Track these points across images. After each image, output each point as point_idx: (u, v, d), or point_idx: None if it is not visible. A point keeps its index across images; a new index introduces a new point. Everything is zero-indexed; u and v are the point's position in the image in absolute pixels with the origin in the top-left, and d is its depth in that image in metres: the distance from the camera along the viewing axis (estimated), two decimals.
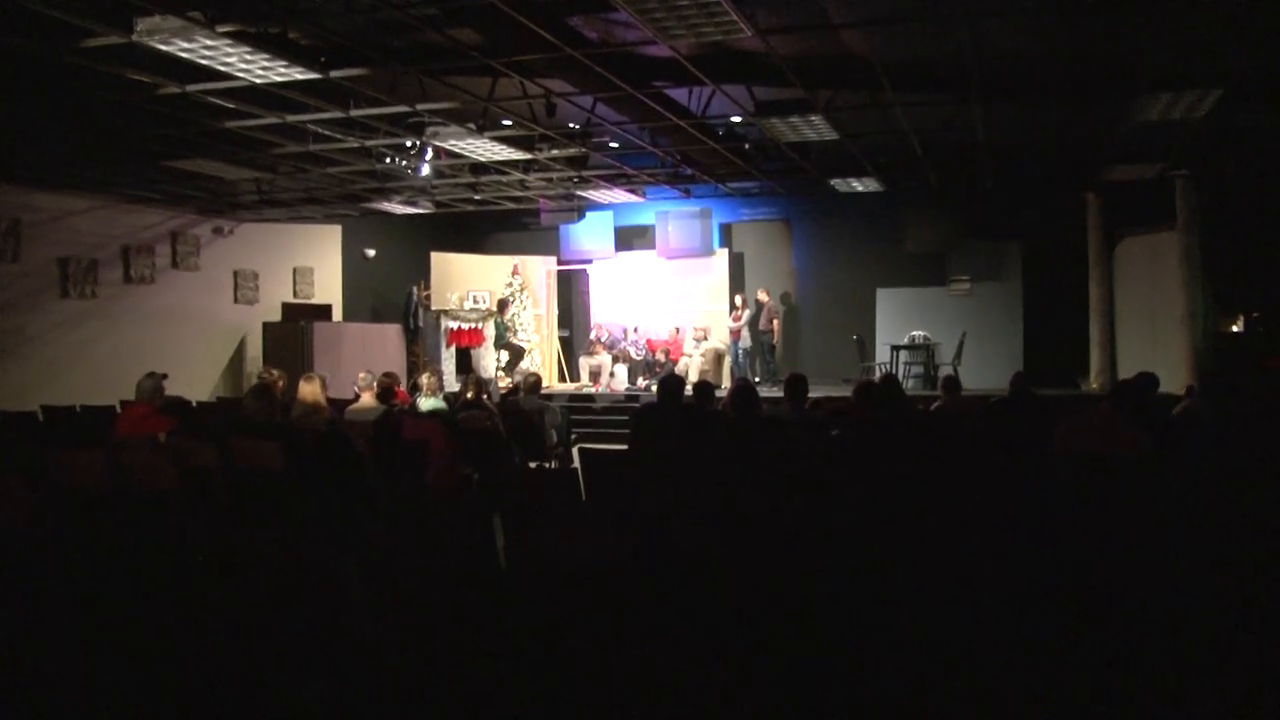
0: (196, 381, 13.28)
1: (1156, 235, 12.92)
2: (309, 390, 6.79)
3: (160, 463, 5.38)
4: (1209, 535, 3.52)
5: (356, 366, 9.05)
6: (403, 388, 9.77)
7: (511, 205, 14.78)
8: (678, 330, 15.42)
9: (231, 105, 8.59)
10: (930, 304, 14.97)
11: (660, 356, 14.86)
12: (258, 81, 7.57)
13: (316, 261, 16.01)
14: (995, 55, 7.83)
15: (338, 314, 15.57)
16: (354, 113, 8.97)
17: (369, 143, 10.30)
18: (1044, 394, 10.83)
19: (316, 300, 15.59)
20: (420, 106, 8.77)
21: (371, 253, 16.60)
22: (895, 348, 14.40)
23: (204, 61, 7.01)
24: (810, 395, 7.21)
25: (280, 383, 7.64)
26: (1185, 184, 12.03)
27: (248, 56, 6.94)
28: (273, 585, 2.99)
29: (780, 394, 8.04)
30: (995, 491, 4.48)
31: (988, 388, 12.29)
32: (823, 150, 10.87)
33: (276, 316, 14.48)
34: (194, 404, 10.10)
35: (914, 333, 14.75)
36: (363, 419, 7.03)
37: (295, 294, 15.65)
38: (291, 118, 9.10)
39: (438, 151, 10.88)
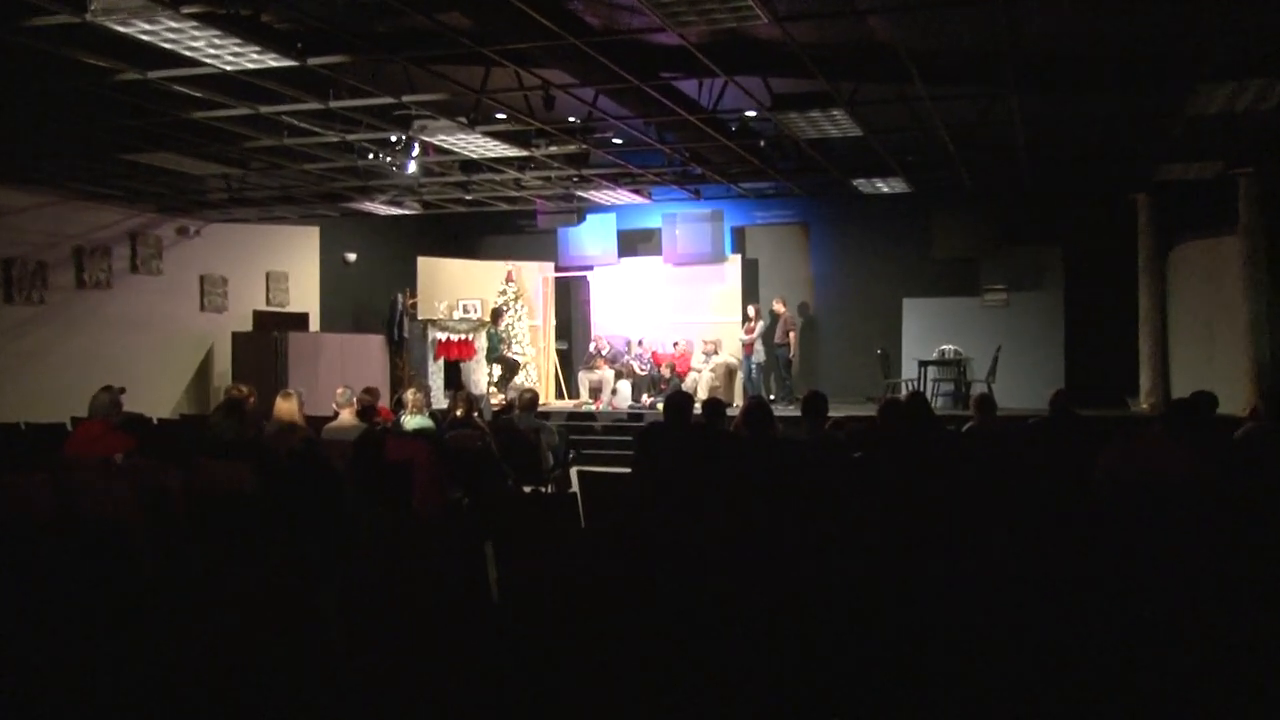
0: (158, 396, 13.28)
1: (1216, 240, 12.92)
2: (286, 408, 6.84)
3: (116, 486, 5.38)
4: (1274, 573, 3.51)
5: (335, 381, 9.11)
6: (386, 404, 9.83)
7: (505, 206, 14.83)
8: (686, 343, 15.44)
9: (199, 94, 8.62)
10: (962, 315, 14.97)
11: (666, 371, 14.87)
12: (228, 69, 7.59)
13: (292, 266, 16.05)
14: (1035, 42, 7.85)
15: (315, 323, 15.60)
16: (333, 104, 9.01)
17: (350, 137, 10.34)
18: (1088, 415, 10.80)
19: (292, 308, 15.63)
20: (406, 98, 8.80)
21: (352, 257, 16.65)
22: (923, 363, 14.38)
23: (168, 46, 7.02)
24: (830, 415, 7.21)
25: (252, 399, 7.66)
26: (1249, 183, 12.03)
27: (216, 41, 6.96)
28: (242, 621, 3.00)
29: (797, 413, 8.05)
30: (1033, 522, 4.47)
31: (1025, 408, 12.26)
32: (845, 148, 10.90)
33: (247, 326, 14.51)
34: (155, 421, 10.13)
35: (944, 347, 14.73)
36: (342, 438, 7.05)
37: (268, 301, 15.68)
38: (265, 109, 9.14)
39: (425, 147, 10.92)
